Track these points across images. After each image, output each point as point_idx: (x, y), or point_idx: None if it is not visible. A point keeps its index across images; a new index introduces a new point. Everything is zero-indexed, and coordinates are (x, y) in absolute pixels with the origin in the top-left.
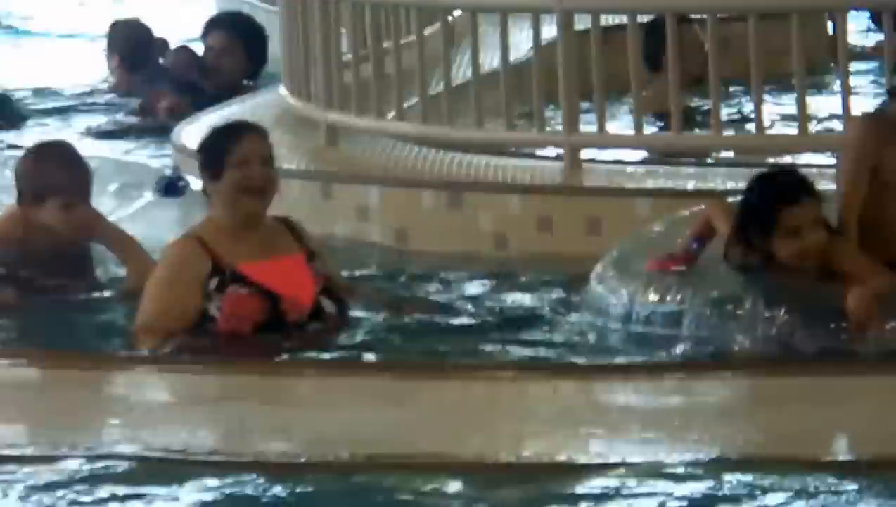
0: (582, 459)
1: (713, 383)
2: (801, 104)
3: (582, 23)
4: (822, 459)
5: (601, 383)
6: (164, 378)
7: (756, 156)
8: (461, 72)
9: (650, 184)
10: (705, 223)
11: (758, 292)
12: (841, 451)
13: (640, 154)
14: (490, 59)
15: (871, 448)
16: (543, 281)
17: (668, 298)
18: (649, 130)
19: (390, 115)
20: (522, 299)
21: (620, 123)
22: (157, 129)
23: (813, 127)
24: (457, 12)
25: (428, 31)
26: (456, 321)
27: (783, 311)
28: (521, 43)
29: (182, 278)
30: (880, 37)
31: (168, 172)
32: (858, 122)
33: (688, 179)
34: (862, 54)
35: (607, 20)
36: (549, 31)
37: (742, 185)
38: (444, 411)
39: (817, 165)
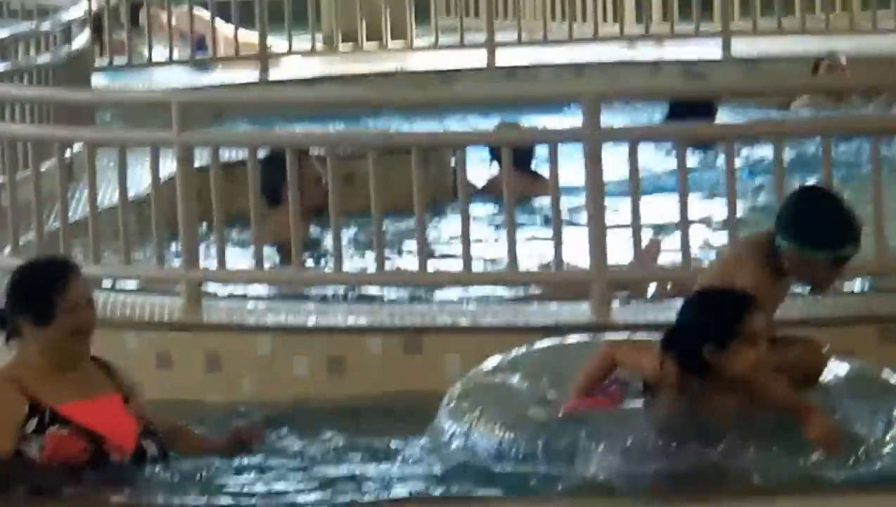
0: None
1: None
2: (421, 237)
3: (201, 158)
4: None
5: None
6: None
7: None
8: (80, 207)
9: (271, 319)
10: (607, 362)
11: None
12: None
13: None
14: (109, 194)
15: None
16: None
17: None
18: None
19: (6, 250)
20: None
21: (244, 256)
22: None
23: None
24: (76, 147)
25: (45, 165)
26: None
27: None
28: (142, 177)
29: None
30: (494, 171)
31: None
32: (752, 263)
33: (309, 314)
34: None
35: (227, 155)
36: (170, 165)
37: (363, 320)
38: None
39: None
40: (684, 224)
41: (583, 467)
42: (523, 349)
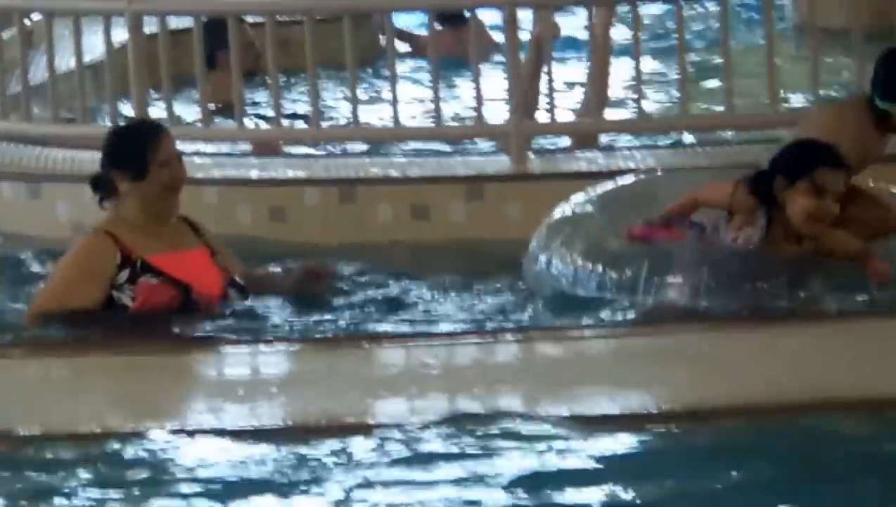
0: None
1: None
2: (354, 97)
3: (149, 26)
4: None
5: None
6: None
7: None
8: (39, 72)
9: (216, 173)
10: (687, 203)
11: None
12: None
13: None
14: (66, 60)
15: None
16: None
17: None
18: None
19: None
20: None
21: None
22: None
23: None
24: (35, 16)
25: (6, 34)
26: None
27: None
28: (96, 45)
29: (87, 272)
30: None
31: None
32: (858, 123)
33: (251, 168)
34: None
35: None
36: (122, 33)
37: (300, 173)
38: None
39: None
40: (602, 79)
41: (645, 296)
42: (612, 184)
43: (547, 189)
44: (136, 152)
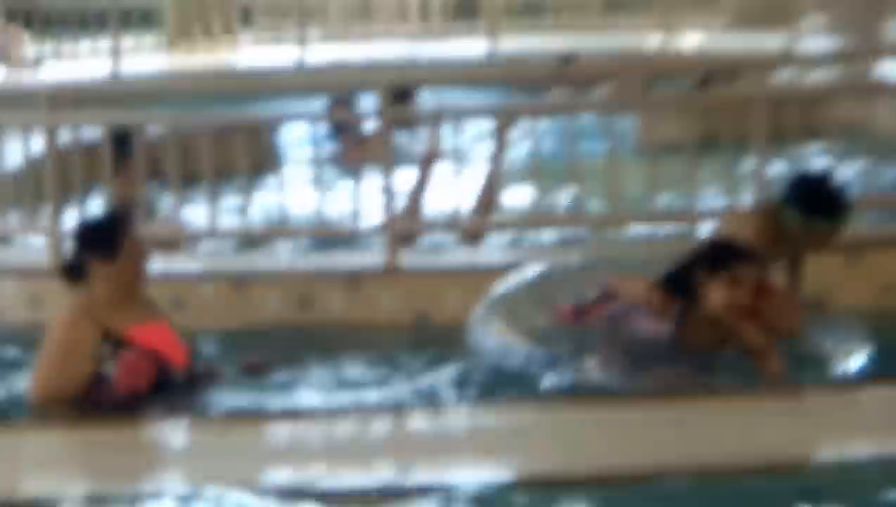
0: None
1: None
2: (246, 202)
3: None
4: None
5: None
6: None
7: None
8: None
9: None
10: (614, 292)
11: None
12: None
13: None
14: None
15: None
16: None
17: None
18: None
19: None
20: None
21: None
22: None
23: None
24: None
25: None
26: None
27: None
28: (17, 153)
29: (71, 352)
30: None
31: None
32: (759, 228)
33: (154, 262)
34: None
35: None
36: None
37: (198, 267)
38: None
39: None
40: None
41: (565, 373)
42: (540, 268)
43: (417, 283)
44: (109, 235)
